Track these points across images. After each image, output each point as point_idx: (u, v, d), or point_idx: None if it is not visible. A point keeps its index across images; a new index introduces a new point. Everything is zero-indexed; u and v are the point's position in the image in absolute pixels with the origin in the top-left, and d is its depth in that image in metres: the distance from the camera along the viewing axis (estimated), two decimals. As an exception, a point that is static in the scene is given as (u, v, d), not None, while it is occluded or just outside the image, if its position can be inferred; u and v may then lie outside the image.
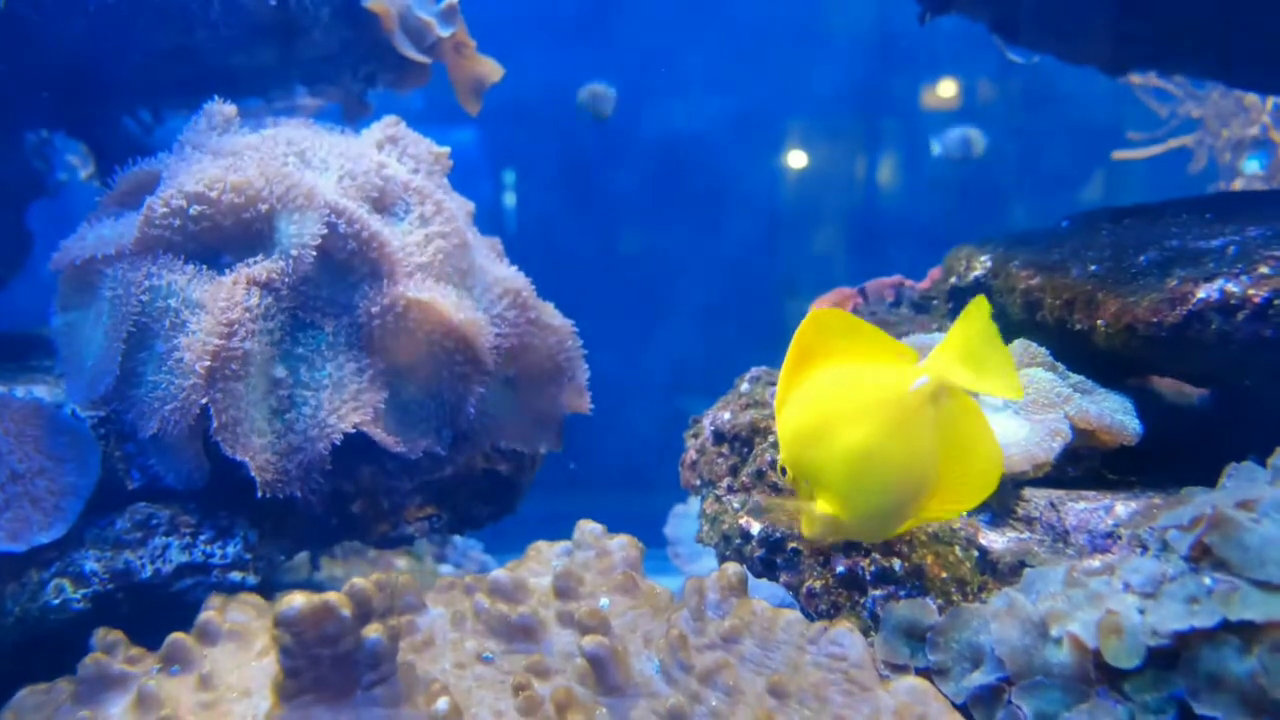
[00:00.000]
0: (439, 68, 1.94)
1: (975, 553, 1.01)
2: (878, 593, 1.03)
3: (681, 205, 4.14)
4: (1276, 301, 0.98)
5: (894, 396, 0.79)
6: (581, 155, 4.07)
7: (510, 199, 4.18)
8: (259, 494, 1.17)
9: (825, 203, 4.24)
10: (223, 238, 1.25)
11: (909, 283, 1.80)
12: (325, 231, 1.22)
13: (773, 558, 1.18)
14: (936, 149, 3.32)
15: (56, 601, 1.14)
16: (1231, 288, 1.00)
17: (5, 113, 1.70)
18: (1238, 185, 3.16)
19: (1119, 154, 3.24)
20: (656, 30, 4.16)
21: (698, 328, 4.11)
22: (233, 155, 1.29)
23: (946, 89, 4.14)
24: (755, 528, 1.19)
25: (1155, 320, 1.04)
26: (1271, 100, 3.03)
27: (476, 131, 3.91)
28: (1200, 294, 1.02)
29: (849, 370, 0.83)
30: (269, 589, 1.24)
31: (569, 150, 4.07)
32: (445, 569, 2.40)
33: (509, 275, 1.43)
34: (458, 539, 2.47)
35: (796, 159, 4.27)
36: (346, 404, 1.23)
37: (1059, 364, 1.14)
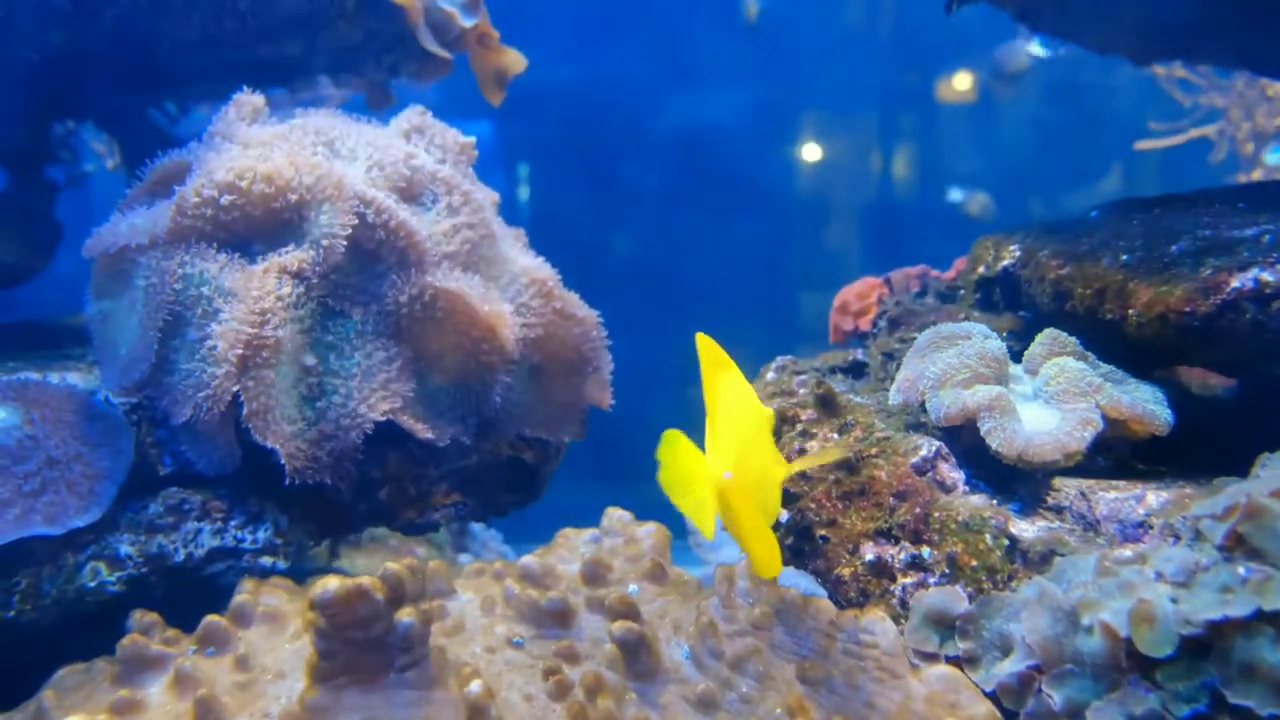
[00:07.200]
0: (461, 59, 1.94)
1: (1005, 541, 1.01)
2: (908, 580, 1.04)
3: (700, 198, 4.12)
4: (1311, 291, 0.98)
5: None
6: (599, 148, 4.07)
7: (525, 192, 4.18)
8: (286, 481, 1.18)
9: (844, 195, 4.22)
10: (253, 227, 1.26)
11: (934, 273, 1.79)
12: (355, 221, 1.23)
13: (801, 545, 1.18)
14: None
15: (92, 584, 1.15)
16: (1267, 277, 1.00)
17: (35, 102, 1.71)
18: (1257, 176, 3.13)
19: (1142, 144, 3.21)
20: (674, 23, 4.15)
21: (715, 320, 4.10)
22: (262, 145, 1.30)
23: (962, 81, 4.11)
24: (784, 515, 1.19)
25: (1188, 310, 1.04)
26: (1298, 91, 3.00)
27: (493, 124, 3.91)
28: (1234, 283, 1.01)
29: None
30: (297, 575, 1.25)
31: (586, 143, 4.07)
32: (464, 559, 2.41)
33: (534, 265, 1.43)
34: (477, 529, 2.49)
35: (814, 151, 4.25)
36: (376, 393, 1.23)
37: (1089, 353, 1.14)
